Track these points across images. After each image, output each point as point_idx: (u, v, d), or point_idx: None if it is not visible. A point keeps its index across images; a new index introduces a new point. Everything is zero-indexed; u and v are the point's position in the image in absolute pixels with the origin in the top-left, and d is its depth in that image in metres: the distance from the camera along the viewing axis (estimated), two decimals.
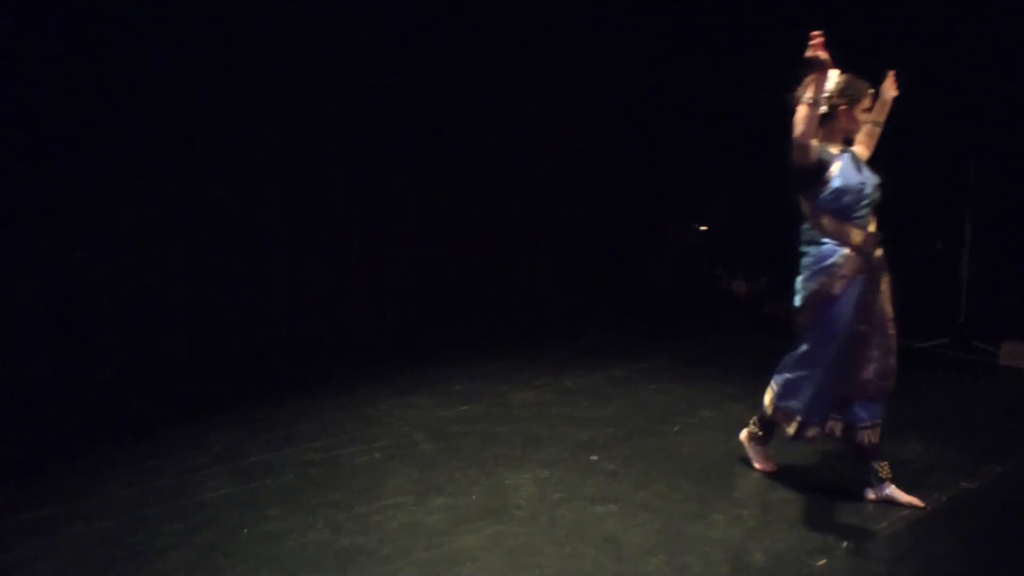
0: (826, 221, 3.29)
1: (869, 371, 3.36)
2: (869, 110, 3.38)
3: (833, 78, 3.24)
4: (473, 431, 4.26)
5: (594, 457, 3.92)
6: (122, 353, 5.31)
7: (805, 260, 3.38)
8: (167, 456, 3.90)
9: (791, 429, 3.46)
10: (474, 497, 3.48)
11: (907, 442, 4.02)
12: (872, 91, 3.35)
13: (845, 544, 3.07)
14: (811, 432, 3.45)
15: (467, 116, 6.94)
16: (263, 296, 5.93)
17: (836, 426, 3.48)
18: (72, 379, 5.06)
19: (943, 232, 6.20)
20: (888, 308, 3.37)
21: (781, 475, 3.69)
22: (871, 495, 3.43)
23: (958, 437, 4.14)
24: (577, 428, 4.30)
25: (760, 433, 3.73)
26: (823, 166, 3.25)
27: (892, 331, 3.38)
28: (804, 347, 3.40)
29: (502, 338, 6.23)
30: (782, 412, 3.49)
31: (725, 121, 7.63)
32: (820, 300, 3.30)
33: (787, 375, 3.47)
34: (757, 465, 3.78)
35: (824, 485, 3.59)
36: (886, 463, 3.44)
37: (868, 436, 3.40)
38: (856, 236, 3.28)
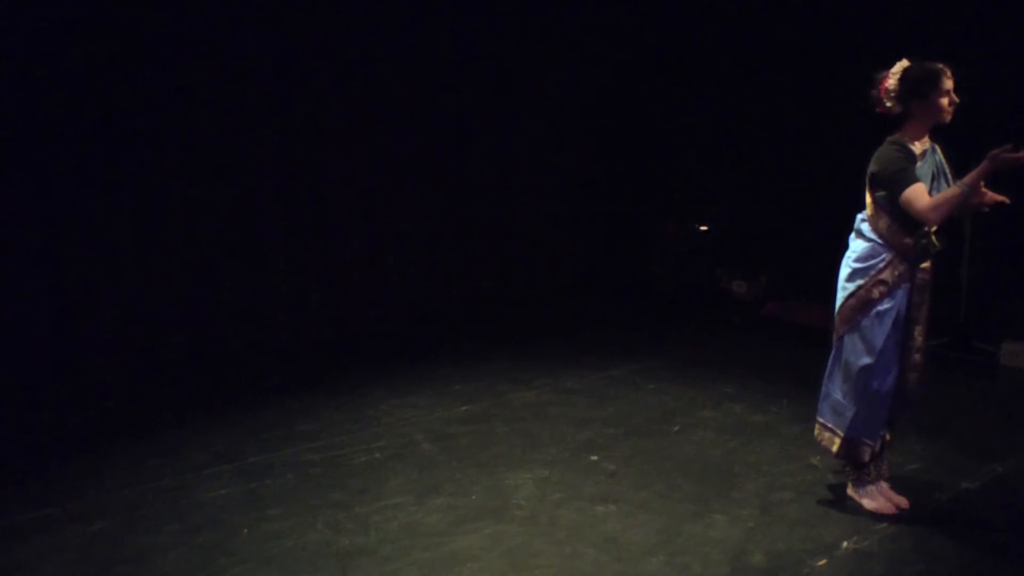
0: (884, 224, 3.10)
1: (912, 379, 3.24)
2: (952, 91, 3.03)
3: (897, 72, 3.05)
4: (473, 431, 4.26)
5: (594, 457, 3.92)
6: (122, 353, 5.32)
7: (849, 254, 3.20)
8: (167, 456, 3.91)
9: (834, 447, 3.28)
10: (474, 497, 3.48)
11: (907, 442, 4.02)
12: (947, 70, 3.03)
13: (845, 544, 3.07)
14: (865, 453, 3.25)
15: (466, 115, 6.94)
16: (263, 296, 5.93)
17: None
18: (73, 379, 5.06)
19: (942, 232, 6.18)
20: (924, 319, 3.20)
21: (781, 475, 3.69)
22: (849, 491, 3.40)
23: (958, 437, 4.13)
24: (577, 428, 4.30)
25: (853, 472, 3.38)
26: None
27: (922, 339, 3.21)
28: (846, 361, 3.19)
29: (502, 338, 6.23)
30: (829, 432, 3.30)
31: (726, 121, 7.63)
32: (858, 304, 3.14)
33: (835, 396, 3.25)
34: (881, 511, 3.30)
35: (824, 485, 3.59)
36: (877, 470, 3.40)
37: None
38: (906, 242, 3.10)
